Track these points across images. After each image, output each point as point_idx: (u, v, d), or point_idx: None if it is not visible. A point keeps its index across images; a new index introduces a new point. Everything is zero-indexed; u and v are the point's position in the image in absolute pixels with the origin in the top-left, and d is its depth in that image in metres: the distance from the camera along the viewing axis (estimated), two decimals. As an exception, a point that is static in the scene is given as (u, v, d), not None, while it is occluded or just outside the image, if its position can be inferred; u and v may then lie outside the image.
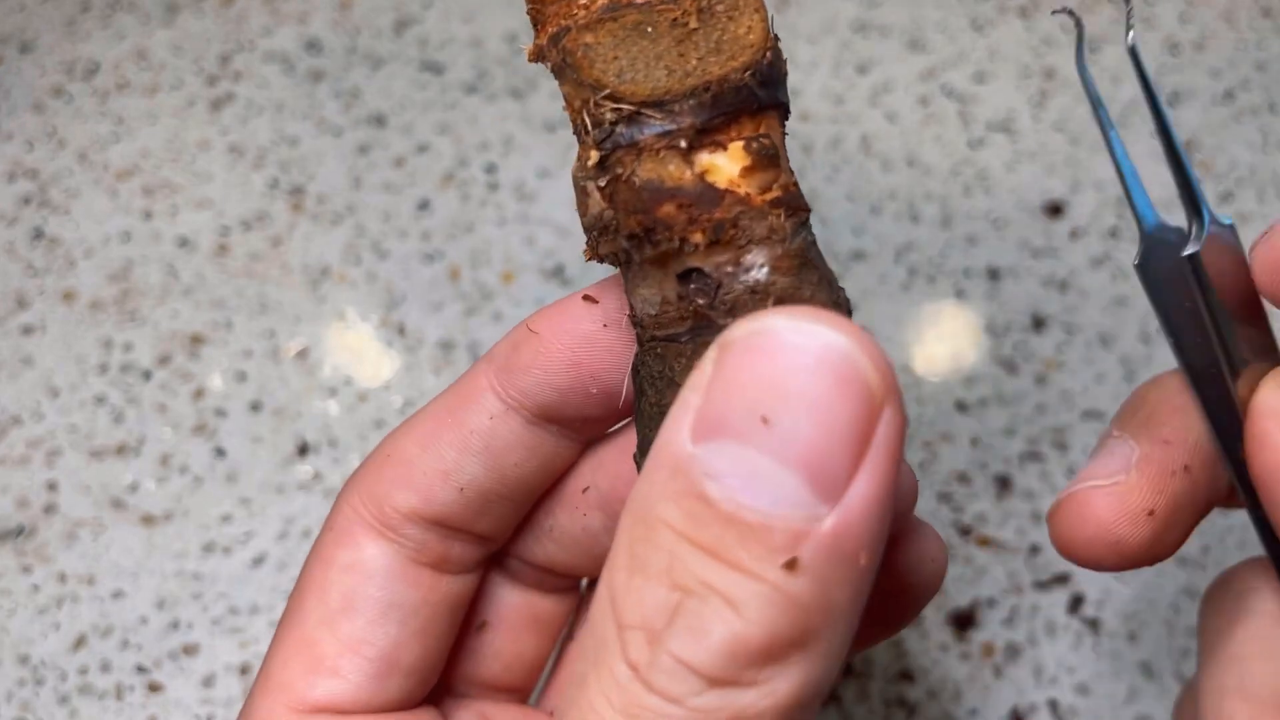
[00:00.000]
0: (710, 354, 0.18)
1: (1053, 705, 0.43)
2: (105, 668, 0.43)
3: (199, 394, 0.48)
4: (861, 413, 0.17)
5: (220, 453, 0.47)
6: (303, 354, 0.50)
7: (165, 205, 0.53)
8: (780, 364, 0.17)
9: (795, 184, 0.23)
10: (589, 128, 0.23)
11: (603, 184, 0.23)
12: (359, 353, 0.50)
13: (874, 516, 0.18)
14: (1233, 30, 0.58)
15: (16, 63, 0.58)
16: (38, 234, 0.53)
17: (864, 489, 0.17)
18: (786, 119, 0.24)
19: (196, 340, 0.50)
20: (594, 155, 0.23)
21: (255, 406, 0.48)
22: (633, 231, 0.23)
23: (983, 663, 0.44)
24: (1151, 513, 0.23)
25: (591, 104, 0.23)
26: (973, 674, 0.43)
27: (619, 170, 0.23)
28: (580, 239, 0.52)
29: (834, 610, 0.17)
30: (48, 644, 0.44)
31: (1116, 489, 0.24)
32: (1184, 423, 0.25)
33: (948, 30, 0.58)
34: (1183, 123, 0.55)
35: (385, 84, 0.56)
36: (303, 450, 0.47)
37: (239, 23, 0.58)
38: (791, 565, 0.17)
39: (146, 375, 0.49)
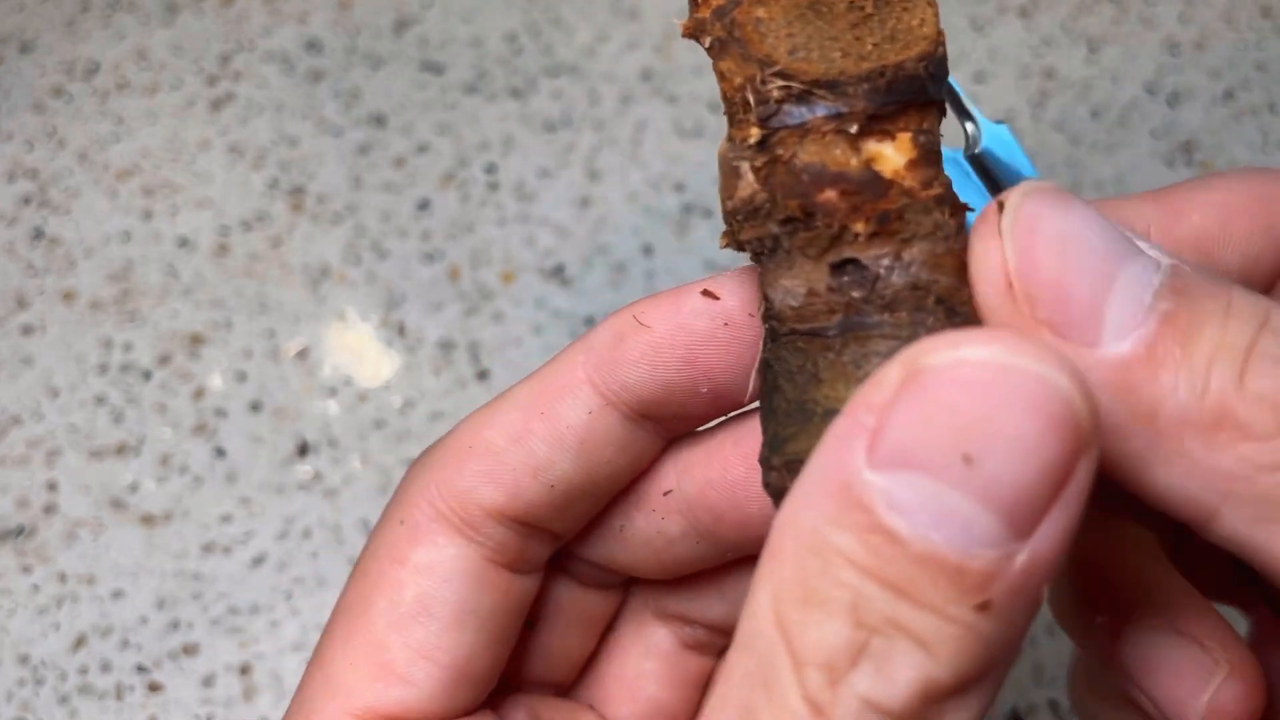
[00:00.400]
0: (893, 374, 0.17)
1: (1053, 705, 0.43)
2: (105, 668, 0.43)
3: (199, 394, 0.48)
4: (1070, 454, 0.17)
5: (220, 453, 0.47)
6: (303, 354, 0.50)
7: (165, 205, 0.53)
8: (991, 401, 0.17)
9: (950, 184, 0.22)
10: (751, 104, 0.22)
11: (759, 164, 0.22)
12: (359, 353, 0.50)
13: (1062, 552, 0.17)
14: (1233, 30, 0.58)
15: (16, 63, 0.58)
16: (38, 234, 0.53)
17: (1056, 527, 0.17)
18: (943, 118, 0.23)
19: (196, 340, 0.50)
20: (755, 133, 0.22)
21: (255, 406, 0.48)
22: (790, 215, 0.22)
23: (983, 663, 0.44)
24: None
25: (758, 80, 0.22)
26: (973, 674, 0.43)
27: (780, 151, 0.22)
28: (579, 239, 0.52)
29: (1014, 644, 0.18)
30: (48, 644, 0.44)
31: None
32: None
33: (947, 30, 0.58)
34: (1183, 123, 0.55)
35: (385, 84, 0.56)
36: (303, 450, 0.47)
37: (239, 23, 0.58)
38: (984, 606, 0.17)
39: (146, 375, 0.49)
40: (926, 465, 0.17)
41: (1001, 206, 0.21)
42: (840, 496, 0.17)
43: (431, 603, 0.25)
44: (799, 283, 0.22)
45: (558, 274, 0.51)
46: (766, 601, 0.18)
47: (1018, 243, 0.20)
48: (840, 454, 0.17)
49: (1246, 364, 0.19)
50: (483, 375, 0.49)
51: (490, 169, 0.54)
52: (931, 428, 0.17)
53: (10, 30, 0.59)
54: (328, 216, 0.53)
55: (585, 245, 0.52)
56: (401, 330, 0.50)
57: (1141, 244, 0.20)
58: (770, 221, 0.22)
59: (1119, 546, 0.26)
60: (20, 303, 0.51)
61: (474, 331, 0.50)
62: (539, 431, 0.26)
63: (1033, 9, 0.59)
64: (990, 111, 0.55)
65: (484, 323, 0.50)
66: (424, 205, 0.53)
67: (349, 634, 0.26)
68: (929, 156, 0.22)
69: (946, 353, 0.17)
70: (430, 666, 0.25)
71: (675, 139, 0.54)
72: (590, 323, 0.50)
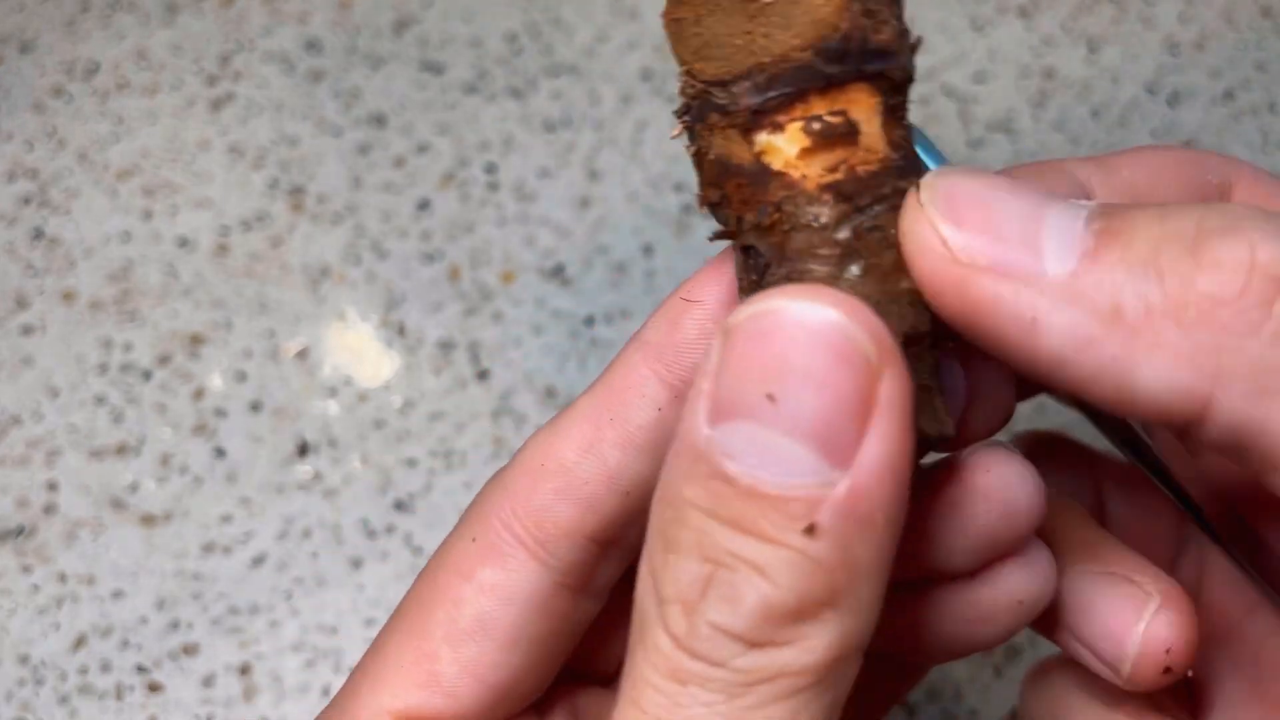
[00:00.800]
0: (717, 339, 0.19)
1: (1053, 705, 0.43)
2: (105, 668, 0.43)
3: (199, 394, 0.48)
4: (860, 380, 0.19)
5: (220, 453, 0.47)
6: (303, 354, 0.50)
7: (165, 205, 0.53)
8: (778, 343, 0.19)
9: (888, 160, 0.22)
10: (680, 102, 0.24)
11: (693, 153, 0.24)
12: (359, 353, 0.50)
13: (885, 478, 0.19)
14: (1233, 30, 0.58)
15: (16, 63, 0.58)
16: (37, 234, 0.53)
17: (872, 452, 0.18)
18: (903, 87, 0.23)
19: (196, 340, 0.50)
20: (679, 126, 0.23)
21: (255, 406, 0.48)
22: (710, 201, 0.23)
23: (983, 662, 0.44)
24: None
25: (679, 78, 0.23)
26: (972, 674, 0.43)
27: (700, 144, 0.23)
28: (579, 239, 0.52)
29: (858, 569, 0.19)
30: (47, 644, 0.44)
31: None
32: None
33: (947, 30, 0.58)
34: (1182, 123, 0.55)
35: (385, 84, 0.56)
36: (303, 450, 0.47)
37: (239, 23, 0.58)
38: (811, 530, 0.18)
39: (146, 375, 0.49)
40: (744, 411, 0.19)
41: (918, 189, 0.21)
42: (689, 455, 0.19)
43: (489, 622, 0.25)
44: (733, 264, 0.24)
45: (558, 274, 0.51)
46: (644, 560, 0.20)
47: (941, 208, 0.21)
48: (689, 420, 0.19)
49: (1196, 242, 0.19)
50: (483, 375, 0.49)
51: (490, 169, 0.54)
52: (742, 377, 0.19)
53: (10, 30, 0.59)
54: (328, 216, 0.53)
55: (585, 245, 0.52)
56: (401, 330, 0.50)
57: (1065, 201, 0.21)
58: (705, 208, 0.24)
59: (1050, 512, 0.26)
60: (20, 303, 0.51)
61: (474, 331, 0.50)
62: (609, 438, 0.25)
63: (1033, 9, 0.59)
64: (990, 111, 0.55)
65: (484, 323, 0.50)
66: (424, 205, 0.53)
67: (405, 638, 0.26)
68: (826, 142, 0.22)
69: (745, 310, 0.19)
70: (476, 684, 0.25)
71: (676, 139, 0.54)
72: (590, 323, 0.50)
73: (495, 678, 0.26)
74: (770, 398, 0.18)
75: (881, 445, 0.19)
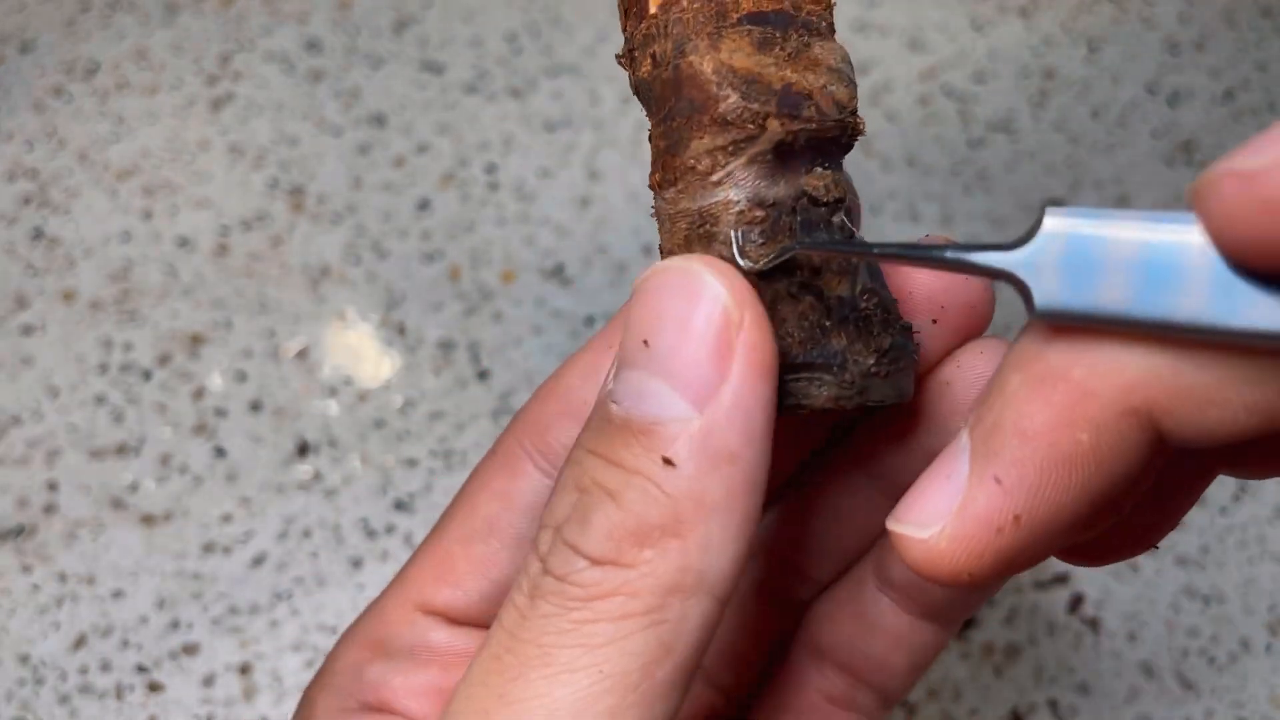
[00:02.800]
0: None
1: (1053, 705, 0.43)
2: (105, 667, 0.43)
3: (199, 394, 0.48)
4: (718, 327, 0.21)
5: (220, 452, 0.47)
6: (303, 354, 0.50)
7: (165, 205, 0.53)
8: (658, 297, 0.21)
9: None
10: None
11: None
12: (359, 352, 0.50)
13: (739, 418, 0.20)
14: (1233, 30, 0.58)
15: (16, 62, 0.58)
16: (38, 234, 0.53)
17: (728, 394, 0.20)
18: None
19: (196, 340, 0.50)
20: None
21: (255, 406, 0.48)
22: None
23: (983, 662, 0.44)
24: (969, 575, 0.20)
25: None
26: (973, 674, 0.43)
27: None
28: (579, 239, 0.52)
29: (706, 503, 0.20)
30: (48, 644, 0.44)
31: (927, 548, 0.20)
32: (1030, 452, 0.20)
33: (948, 30, 0.58)
34: (1183, 122, 0.55)
35: (385, 84, 0.56)
36: (303, 450, 0.47)
37: (239, 22, 0.58)
38: (667, 463, 0.20)
39: (146, 375, 0.49)
40: (628, 360, 0.21)
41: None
42: (597, 409, 0.22)
43: (496, 524, 0.28)
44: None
45: (558, 274, 0.51)
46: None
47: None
48: (604, 381, 0.22)
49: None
50: (483, 375, 0.49)
51: (490, 169, 0.54)
52: (631, 329, 0.21)
53: (10, 30, 0.59)
54: (328, 216, 0.53)
55: (585, 245, 0.52)
56: (401, 330, 0.50)
57: None
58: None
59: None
60: (20, 302, 0.51)
61: (474, 331, 0.50)
62: (607, 363, 0.26)
63: (1033, 9, 0.59)
64: (990, 111, 0.55)
65: (484, 322, 0.50)
66: (424, 205, 0.53)
67: (431, 541, 0.29)
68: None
69: (641, 276, 0.22)
70: (482, 580, 0.28)
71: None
72: (590, 323, 0.50)
73: (499, 574, 0.28)
74: (645, 344, 0.21)
75: (737, 388, 0.20)
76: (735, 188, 0.23)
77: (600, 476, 0.21)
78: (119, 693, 0.43)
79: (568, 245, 0.52)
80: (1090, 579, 0.45)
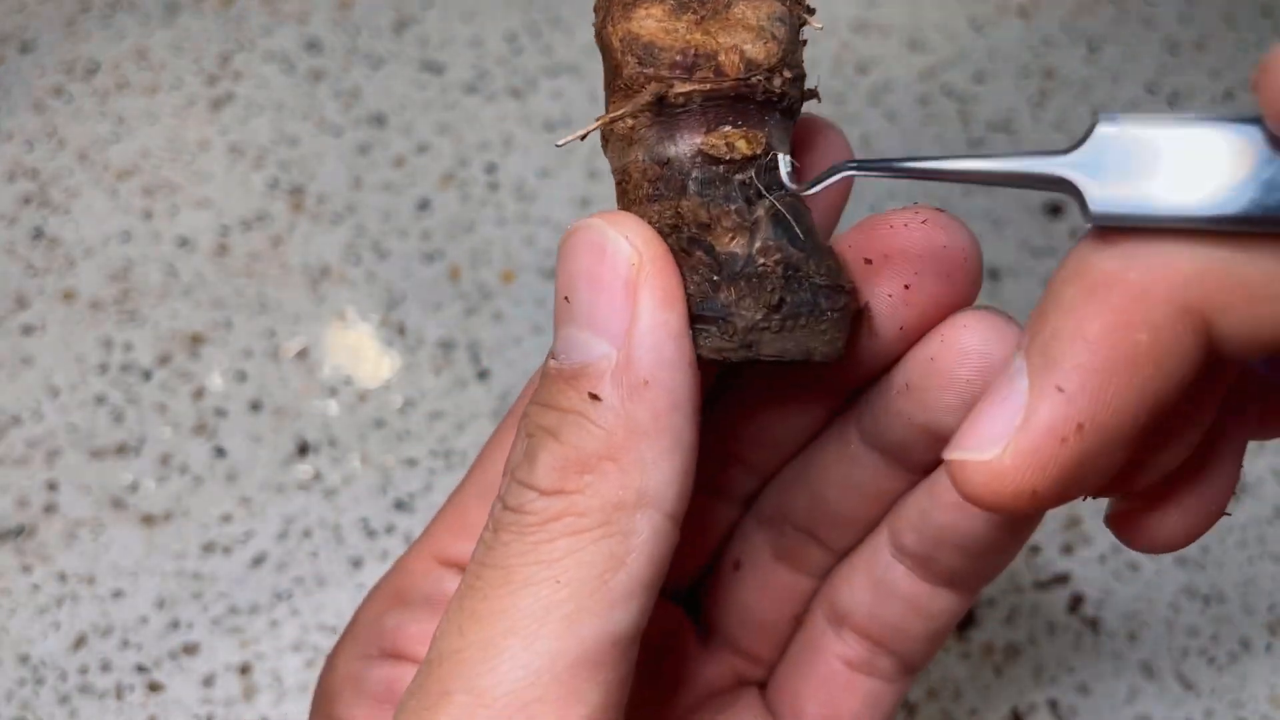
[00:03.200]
0: None
1: (1052, 705, 0.43)
2: (105, 667, 0.43)
3: (199, 394, 0.48)
4: (622, 272, 0.23)
5: (220, 452, 0.47)
6: (303, 354, 0.50)
7: (165, 205, 0.53)
8: (573, 255, 0.23)
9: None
10: None
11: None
12: (359, 352, 0.50)
13: (650, 348, 0.23)
14: (1233, 30, 0.58)
15: (16, 62, 0.58)
16: (38, 234, 0.53)
17: (637, 329, 0.23)
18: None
19: (196, 340, 0.50)
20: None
21: (255, 406, 0.48)
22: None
23: (983, 662, 0.44)
24: (1034, 491, 0.20)
25: None
26: (973, 673, 0.43)
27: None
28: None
29: (635, 428, 0.23)
30: (48, 643, 0.44)
31: (989, 469, 0.20)
32: (1090, 356, 0.20)
33: (947, 30, 0.58)
34: (1182, 122, 0.55)
35: (385, 84, 0.56)
36: (303, 450, 0.47)
37: (239, 22, 0.58)
38: (594, 398, 0.23)
39: (146, 375, 0.49)
40: (558, 317, 0.24)
41: None
42: (542, 368, 0.24)
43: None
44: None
45: (558, 274, 0.51)
46: None
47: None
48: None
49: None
50: (483, 375, 0.49)
51: (490, 169, 0.54)
52: (556, 290, 0.24)
53: (10, 30, 0.59)
54: (328, 216, 0.53)
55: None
56: (401, 330, 0.50)
57: None
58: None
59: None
60: (20, 302, 0.51)
61: (474, 331, 0.50)
62: None
63: (1033, 9, 0.59)
64: (990, 111, 0.55)
65: (484, 322, 0.50)
66: (424, 205, 0.53)
67: (452, 497, 0.30)
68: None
69: (561, 237, 0.24)
70: None
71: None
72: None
73: None
74: (566, 300, 0.23)
75: (643, 324, 0.23)
76: (640, 146, 0.24)
77: (543, 420, 0.23)
78: (119, 693, 0.43)
79: (568, 245, 0.52)
80: (1090, 579, 0.45)
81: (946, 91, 0.56)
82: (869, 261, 0.25)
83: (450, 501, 0.30)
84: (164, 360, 0.49)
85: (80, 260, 0.52)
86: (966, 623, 0.44)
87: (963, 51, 0.57)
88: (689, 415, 0.23)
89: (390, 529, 0.46)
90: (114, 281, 0.51)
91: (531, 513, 0.23)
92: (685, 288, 0.23)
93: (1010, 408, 0.20)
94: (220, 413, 0.48)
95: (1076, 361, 0.20)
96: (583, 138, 0.25)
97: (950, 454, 0.21)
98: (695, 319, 0.24)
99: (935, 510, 0.27)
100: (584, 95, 0.56)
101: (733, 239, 0.24)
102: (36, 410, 0.48)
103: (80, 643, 0.44)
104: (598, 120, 0.24)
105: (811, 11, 0.25)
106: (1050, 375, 0.20)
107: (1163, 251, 0.19)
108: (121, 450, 0.47)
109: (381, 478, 0.47)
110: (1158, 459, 0.23)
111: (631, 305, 0.23)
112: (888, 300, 0.25)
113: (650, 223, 0.24)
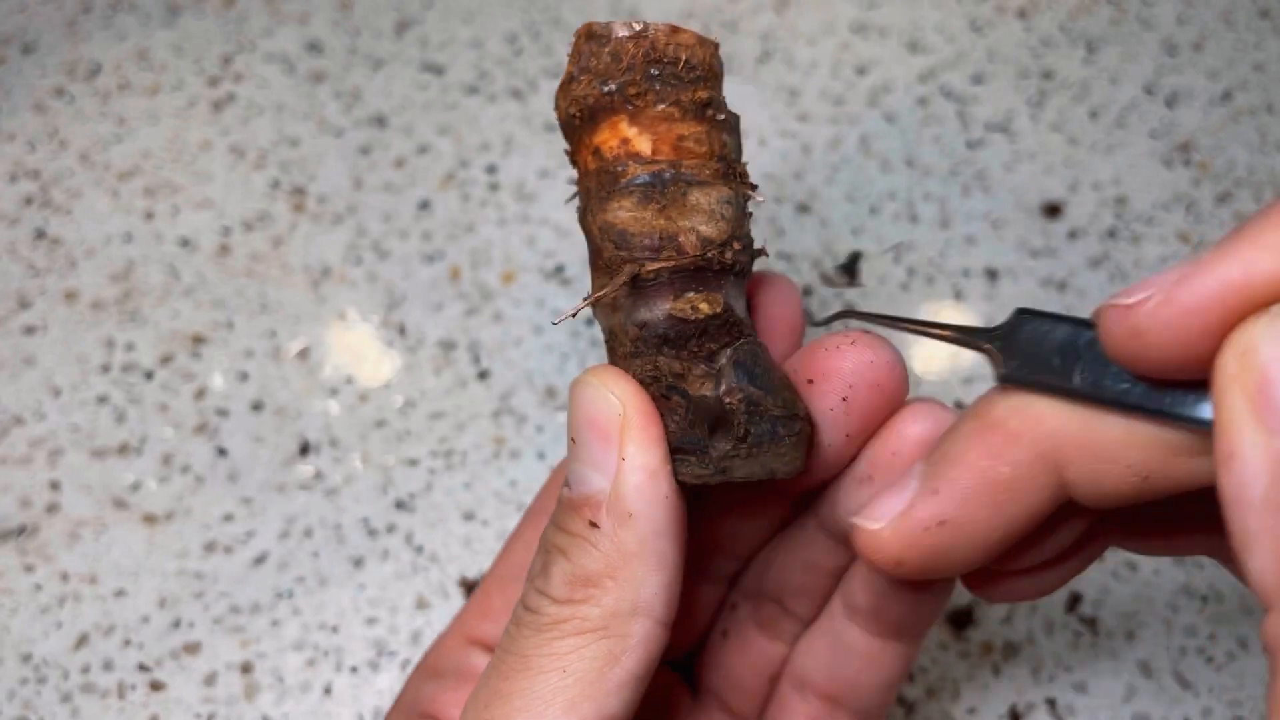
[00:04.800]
0: None
1: (1051, 704, 0.43)
2: (107, 666, 0.44)
3: (200, 394, 0.49)
4: (611, 422, 0.27)
5: (222, 452, 0.47)
6: (304, 354, 0.50)
7: (166, 205, 0.53)
8: (573, 404, 0.28)
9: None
10: None
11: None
12: (360, 352, 0.50)
13: (634, 486, 0.27)
14: (1231, 31, 0.58)
15: (18, 63, 0.58)
16: (39, 234, 0.53)
17: (622, 471, 0.27)
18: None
19: (198, 340, 0.50)
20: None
21: (256, 406, 0.48)
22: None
23: (981, 661, 0.44)
24: (900, 563, 0.27)
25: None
26: (971, 672, 0.44)
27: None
28: (579, 239, 0.52)
29: (625, 551, 0.27)
30: (50, 643, 0.44)
31: (874, 536, 0.27)
32: (962, 473, 0.26)
33: (946, 31, 0.58)
34: (1181, 123, 0.55)
35: (386, 84, 0.57)
36: (304, 450, 0.48)
37: (240, 23, 0.59)
38: (594, 524, 0.27)
39: (148, 375, 0.49)
40: (569, 454, 0.28)
41: None
42: (559, 494, 0.29)
43: (522, 570, 0.34)
44: None
45: (558, 274, 0.51)
46: None
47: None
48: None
49: None
50: (483, 375, 0.49)
51: (491, 169, 0.54)
52: (568, 430, 0.29)
53: (12, 31, 0.59)
54: (329, 217, 0.53)
55: (585, 246, 0.52)
56: (402, 330, 0.50)
57: None
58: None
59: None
60: (22, 303, 0.51)
61: (474, 331, 0.50)
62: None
63: (1032, 9, 0.59)
64: (989, 112, 0.55)
65: (484, 323, 0.50)
66: (424, 205, 0.53)
67: (481, 583, 0.36)
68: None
69: (571, 385, 0.29)
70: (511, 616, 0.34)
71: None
72: (591, 322, 0.50)
73: None
74: (573, 441, 0.28)
75: (628, 466, 0.27)
76: (622, 312, 0.29)
77: (556, 540, 0.28)
78: (121, 692, 0.43)
79: (568, 245, 0.52)
80: (1088, 578, 0.45)
81: (945, 92, 0.56)
82: (811, 381, 0.30)
83: (479, 588, 0.35)
84: (166, 360, 0.49)
85: (82, 261, 0.52)
86: (965, 622, 0.44)
87: (962, 53, 0.57)
88: (672, 538, 0.27)
89: (391, 528, 0.46)
90: (115, 282, 0.51)
91: (546, 615, 0.28)
92: (666, 426, 0.28)
93: (903, 496, 0.27)
94: (222, 413, 0.48)
95: (952, 475, 0.26)
96: (574, 315, 0.30)
97: (853, 518, 0.28)
98: (676, 451, 0.28)
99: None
100: (584, 96, 0.56)
101: (703, 384, 0.28)
102: (38, 410, 0.48)
103: (82, 642, 0.44)
104: (584, 300, 0.29)
105: (755, 188, 0.30)
106: (933, 480, 0.27)
107: (1038, 408, 0.25)
108: (123, 450, 0.48)
109: (382, 477, 0.47)
110: (1020, 558, 0.29)
111: (618, 450, 0.27)
112: (830, 413, 0.30)
113: (634, 375, 0.28)
